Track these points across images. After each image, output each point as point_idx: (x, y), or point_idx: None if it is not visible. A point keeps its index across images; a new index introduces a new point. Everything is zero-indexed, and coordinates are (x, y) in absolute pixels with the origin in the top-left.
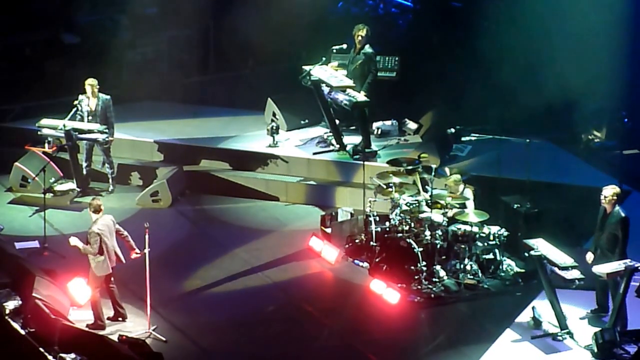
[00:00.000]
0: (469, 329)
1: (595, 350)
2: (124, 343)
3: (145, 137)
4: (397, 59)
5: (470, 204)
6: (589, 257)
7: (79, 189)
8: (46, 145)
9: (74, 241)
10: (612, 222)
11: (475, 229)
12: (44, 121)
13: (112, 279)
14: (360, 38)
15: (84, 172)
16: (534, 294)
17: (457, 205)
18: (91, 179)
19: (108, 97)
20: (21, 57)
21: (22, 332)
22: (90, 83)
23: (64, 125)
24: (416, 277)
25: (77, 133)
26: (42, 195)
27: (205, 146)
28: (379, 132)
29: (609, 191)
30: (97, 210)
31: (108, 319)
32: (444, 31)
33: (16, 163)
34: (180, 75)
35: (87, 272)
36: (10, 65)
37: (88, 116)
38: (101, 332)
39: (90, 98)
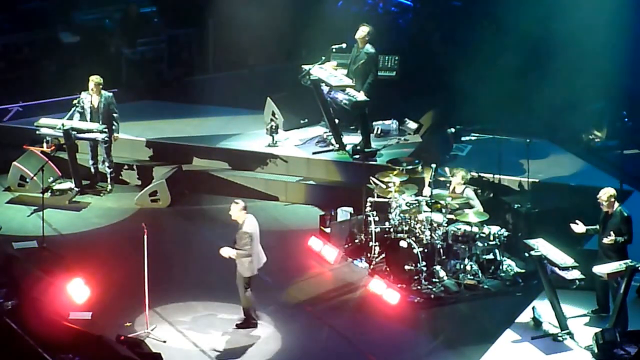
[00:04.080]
0: (469, 329)
1: (596, 350)
2: (123, 343)
3: (144, 136)
4: (397, 58)
5: (477, 203)
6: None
7: (77, 189)
8: (44, 144)
9: (227, 252)
10: (616, 222)
11: (475, 229)
12: (43, 120)
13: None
14: (362, 37)
15: (92, 170)
16: (534, 295)
17: (457, 206)
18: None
19: (110, 94)
20: (20, 57)
21: (21, 332)
22: (95, 80)
23: (63, 125)
24: (416, 278)
25: (75, 132)
26: (41, 195)
27: (204, 145)
28: (379, 132)
29: (605, 195)
30: (243, 209)
31: (237, 326)
32: (444, 31)
33: (14, 162)
34: (180, 75)
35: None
36: (9, 65)
37: (90, 113)
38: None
39: (92, 95)
